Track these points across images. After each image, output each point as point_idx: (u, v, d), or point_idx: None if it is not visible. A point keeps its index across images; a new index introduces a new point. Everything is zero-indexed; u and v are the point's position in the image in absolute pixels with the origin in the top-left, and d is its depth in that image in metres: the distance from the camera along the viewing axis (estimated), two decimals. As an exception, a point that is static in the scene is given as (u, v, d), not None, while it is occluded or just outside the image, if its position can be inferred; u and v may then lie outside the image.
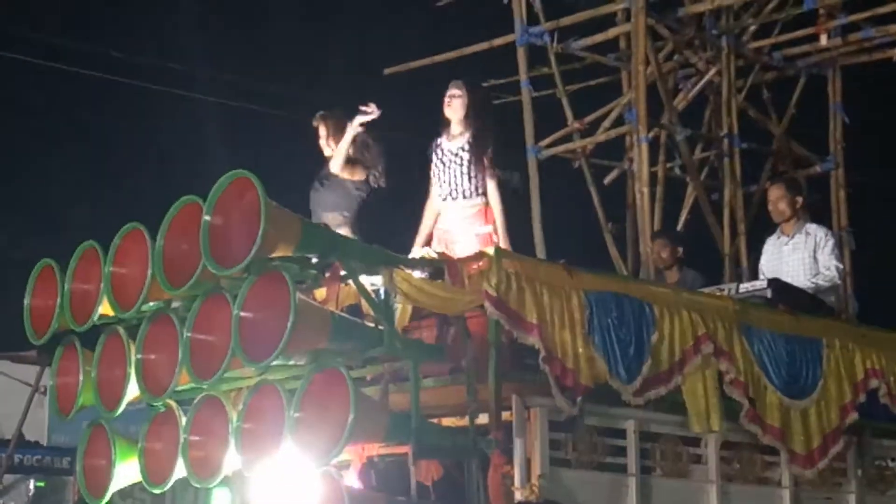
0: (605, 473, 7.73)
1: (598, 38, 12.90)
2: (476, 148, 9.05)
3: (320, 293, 7.79)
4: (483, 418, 7.28)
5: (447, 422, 7.67)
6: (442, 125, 9.25)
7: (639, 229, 11.89)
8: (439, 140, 9.24)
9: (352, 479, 7.48)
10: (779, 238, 10.25)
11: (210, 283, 7.16)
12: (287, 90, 18.73)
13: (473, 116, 9.13)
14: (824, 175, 13.49)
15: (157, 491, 7.74)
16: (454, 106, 9.17)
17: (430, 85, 9.86)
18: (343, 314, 7.46)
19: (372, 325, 7.33)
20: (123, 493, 8.14)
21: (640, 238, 11.77)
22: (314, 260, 7.36)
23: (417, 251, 8.90)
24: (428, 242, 9.10)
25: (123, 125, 19.99)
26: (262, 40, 20.48)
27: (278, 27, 20.87)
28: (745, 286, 9.28)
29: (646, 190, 11.75)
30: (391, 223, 9.70)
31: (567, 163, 13.30)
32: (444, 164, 9.16)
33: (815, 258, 10.02)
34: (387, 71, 14.07)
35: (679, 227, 12.93)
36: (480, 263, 7.48)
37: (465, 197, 9.09)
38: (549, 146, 12.89)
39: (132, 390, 7.58)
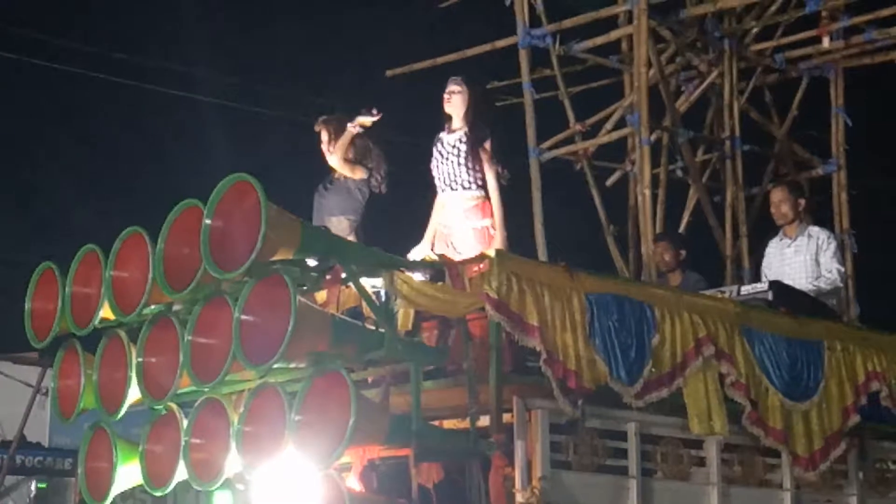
0: (607, 476, 7.72)
1: (600, 40, 12.87)
2: (473, 139, 9.08)
3: (321, 296, 7.80)
4: (484, 420, 7.28)
5: (448, 424, 7.67)
6: (444, 121, 9.29)
7: (640, 232, 11.86)
8: (441, 134, 9.29)
9: (353, 482, 7.46)
10: (781, 240, 10.26)
11: (211, 287, 7.16)
12: (289, 92, 18.75)
13: (472, 111, 9.15)
14: (826, 177, 13.47)
15: (158, 493, 7.74)
16: (454, 102, 9.20)
17: (432, 87, 9.85)
18: (344, 317, 7.47)
19: (372, 327, 7.33)
20: (125, 496, 8.14)
21: (642, 240, 11.74)
22: (314, 263, 7.36)
23: (425, 246, 8.93)
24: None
25: (125, 128, 20.01)
26: (264, 42, 20.50)
27: (280, 29, 20.89)
28: (747, 288, 9.27)
29: (647, 192, 11.72)
30: (393, 225, 9.70)
31: (569, 165, 13.28)
32: (443, 156, 9.20)
33: (816, 261, 10.03)
34: (389, 73, 14.06)
35: (681, 229, 12.89)
36: (481, 266, 7.48)
37: (463, 188, 9.11)
38: (550, 148, 12.86)
39: (133, 393, 7.59)
